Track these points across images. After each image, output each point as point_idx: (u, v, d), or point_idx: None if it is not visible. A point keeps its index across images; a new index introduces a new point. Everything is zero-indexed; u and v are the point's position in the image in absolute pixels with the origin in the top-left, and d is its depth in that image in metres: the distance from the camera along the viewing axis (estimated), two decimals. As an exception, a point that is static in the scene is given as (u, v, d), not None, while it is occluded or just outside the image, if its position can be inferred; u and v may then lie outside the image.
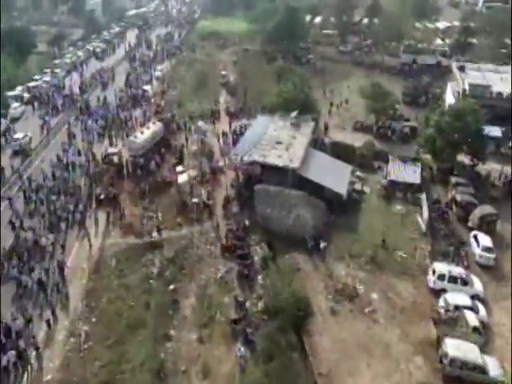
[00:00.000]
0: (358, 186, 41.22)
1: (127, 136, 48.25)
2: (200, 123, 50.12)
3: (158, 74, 68.79)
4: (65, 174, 42.08)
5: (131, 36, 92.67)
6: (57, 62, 71.88)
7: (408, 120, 55.39)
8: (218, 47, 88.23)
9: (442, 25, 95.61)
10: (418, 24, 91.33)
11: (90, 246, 34.40)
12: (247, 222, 35.85)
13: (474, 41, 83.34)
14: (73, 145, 47.46)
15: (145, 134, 45.19)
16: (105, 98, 58.08)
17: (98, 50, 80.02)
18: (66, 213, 37.01)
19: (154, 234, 35.66)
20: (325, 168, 39.46)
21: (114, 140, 48.73)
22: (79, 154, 45.35)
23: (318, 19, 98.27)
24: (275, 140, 41.54)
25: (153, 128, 46.66)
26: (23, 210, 37.89)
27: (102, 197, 38.89)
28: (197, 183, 41.29)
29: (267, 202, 35.92)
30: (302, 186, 37.46)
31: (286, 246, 34.19)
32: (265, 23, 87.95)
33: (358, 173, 42.98)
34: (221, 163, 44.11)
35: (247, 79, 70.42)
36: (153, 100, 60.85)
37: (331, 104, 58.94)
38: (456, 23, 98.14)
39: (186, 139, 48.76)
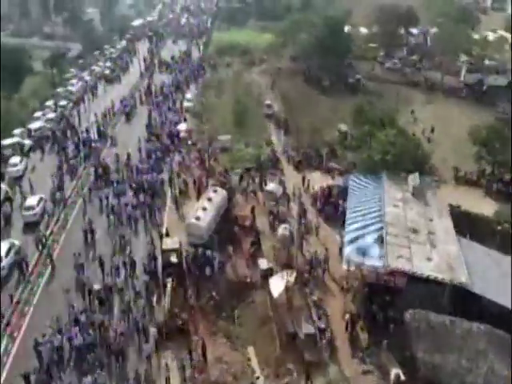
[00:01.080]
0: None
1: (178, 214, 34.90)
2: (272, 186, 36.74)
3: (187, 104, 54.96)
4: (93, 315, 25.55)
5: (142, 51, 78.47)
6: (60, 90, 57.37)
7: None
8: (243, 65, 74.89)
9: (491, 35, 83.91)
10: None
11: None
12: (401, 375, 22.93)
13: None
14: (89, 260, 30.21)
15: (208, 211, 31.56)
16: (128, 156, 41.42)
17: (106, 71, 65.67)
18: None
19: (259, 399, 22.47)
20: (489, 271, 26.69)
21: (157, 225, 33.61)
22: (101, 263, 28.86)
23: (346, 28, 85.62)
24: (405, 225, 28.67)
25: (215, 199, 33.06)
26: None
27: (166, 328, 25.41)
28: (296, 289, 28.22)
29: (432, 340, 23.00)
30: (459, 301, 24.91)
31: (474, 419, 21.45)
32: (296, 36, 75.13)
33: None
34: (317, 250, 31.02)
35: (296, 109, 57.37)
36: (189, 142, 47.27)
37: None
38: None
39: (253, 209, 35.31)
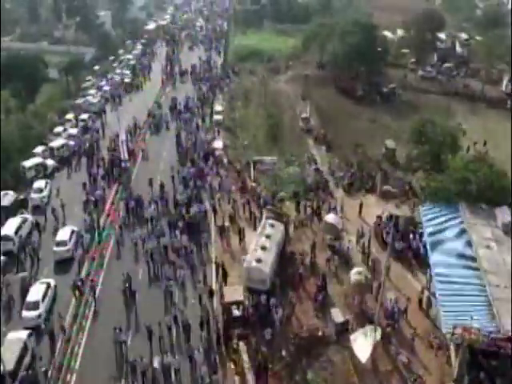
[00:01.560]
0: None
1: (228, 251, 30.58)
2: (332, 217, 32.53)
3: (216, 118, 50.76)
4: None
5: (160, 57, 74.37)
6: (79, 101, 53.01)
7: None
8: (268, 72, 70.58)
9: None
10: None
11: None
12: None
13: None
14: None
15: (269, 251, 27.28)
16: (162, 186, 36.27)
17: (126, 79, 61.33)
18: None
19: None
20: None
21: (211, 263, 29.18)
22: (149, 334, 23.64)
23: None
24: (507, 272, 24.56)
25: (274, 235, 28.73)
26: None
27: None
28: (381, 348, 24.13)
29: None
30: None
31: None
32: (323, 41, 71.03)
33: None
34: (396, 298, 26.91)
35: (332, 122, 53.22)
36: (225, 160, 43.07)
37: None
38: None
39: (314, 246, 31.00)
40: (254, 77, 67.91)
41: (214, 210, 34.56)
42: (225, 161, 42.82)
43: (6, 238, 29.78)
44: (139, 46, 77.97)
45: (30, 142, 42.67)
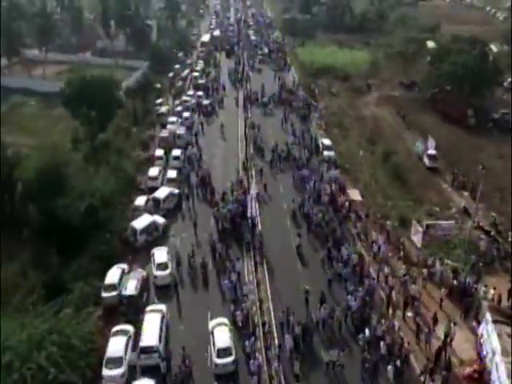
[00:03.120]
0: None
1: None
2: None
3: (328, 154, 42.01)
4: None
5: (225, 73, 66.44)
6: (163, 134, 44.27)
7: None
8: (349, 92, 62.43)
9: None
10: None
11: None
12: None
13: None
14: None
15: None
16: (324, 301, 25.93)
17: (205, 101, 52.93)
18: None
19: None
20: None
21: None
22: None
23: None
24: None
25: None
26: None
27: None
28: None
29: None
30: None
31: None
32: (414, 58, 63.41)
33: None
34: None
35: (457, 158, 44.93)
36: (363, 216, 34.72)
37: None
38: None
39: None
40: (337, 98, 60.00)
41: (389, 301, 26.42)
42: (362, 215, 34.81)
43: (150, 350, 21.63)
44: (200, 61, 69.71)
45: (127, 190, 34.49)
